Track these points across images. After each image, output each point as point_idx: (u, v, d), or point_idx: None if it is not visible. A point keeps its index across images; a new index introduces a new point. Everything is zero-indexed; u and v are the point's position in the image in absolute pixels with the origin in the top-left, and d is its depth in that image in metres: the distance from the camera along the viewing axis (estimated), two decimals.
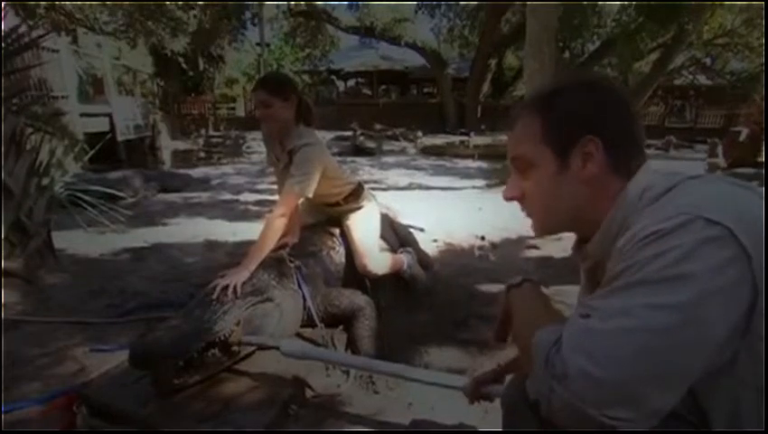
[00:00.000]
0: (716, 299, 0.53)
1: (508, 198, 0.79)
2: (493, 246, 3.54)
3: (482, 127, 15.42)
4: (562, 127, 0.71)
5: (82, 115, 7.35)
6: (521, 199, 0.78)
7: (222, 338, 1.50)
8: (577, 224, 0.77)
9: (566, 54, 15.24)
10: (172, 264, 3.01)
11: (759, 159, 7.90)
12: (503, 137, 11.20)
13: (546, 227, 0.79)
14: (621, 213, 0.68)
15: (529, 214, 0.79)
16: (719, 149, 8.73)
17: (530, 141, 0.74)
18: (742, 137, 8.72)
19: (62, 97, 6.88)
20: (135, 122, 9.61)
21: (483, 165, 9.41)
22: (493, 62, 17.38)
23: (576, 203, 0.72)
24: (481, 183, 6.77)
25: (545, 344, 0.61)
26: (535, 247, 3.44)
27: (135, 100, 10.59)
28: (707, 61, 18.76)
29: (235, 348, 1.55)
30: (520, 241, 3.60)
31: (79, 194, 2.98)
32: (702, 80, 18.71)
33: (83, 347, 1.91)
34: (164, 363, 1.36)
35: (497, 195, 5.56)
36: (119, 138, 8.58)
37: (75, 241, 3.29)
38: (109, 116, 8.46)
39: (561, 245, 3.43)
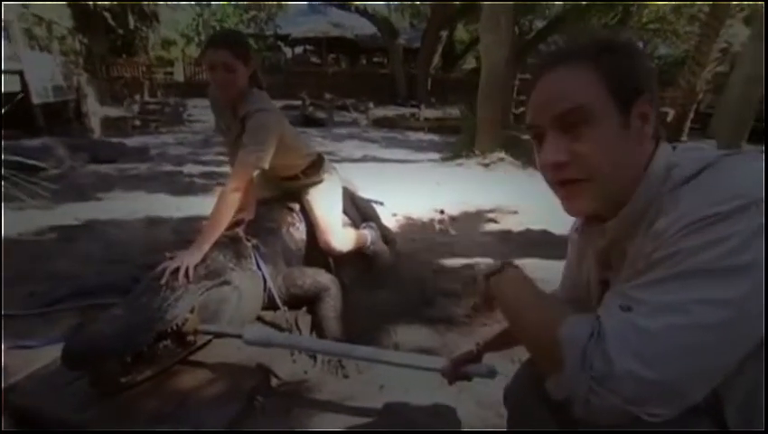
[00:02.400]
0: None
1: (556, 163, 0.64)
2: (453, 220, 3.53)
3: (433, 99, 15.39)
4: (624, 81, 0.62)
5: None
6: (567, 163, 0.64)
7: (175, 328, 1.35)
8: (616, 195, 0.66)
9: (516, 30, 15.39)
10: (108, 243, 2.71)
11: (682, 139, 8.56)
12: (453, 111, 11.27)
13: (605, 193, 0.65)
14: (647, 192, 0.63)
15: (583, 178, 0.64)
16: None
17: (589, 91, 0.61)
18: (669, 118, 9.39)
19: None
20: (54, 83, 8.50)
21: (435, 138, 9.41)
22: (444, 34, 17.20)
23: (633, 164, 0.64)
24: (435, 156, 6.76)
25: (577, 340, 0.55)
26: (494, 221, 3.48)
27: (53, 58, 9.37)
28: (641, 45, 19.82)
29: (190, 338, 1.40)
30: (479, 215, 3.63)
31: None
32: None
33: (3, 344, 1.65)
34: (107, 360, 1.19)
35: (453, 169, 5.64)
36: (35, 101, 7.58)
37: None
38: (20, 73, 7.42)
39: (518, 219, 3.50)
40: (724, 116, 8.23)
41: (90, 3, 12.27)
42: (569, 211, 0.69)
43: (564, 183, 0.66)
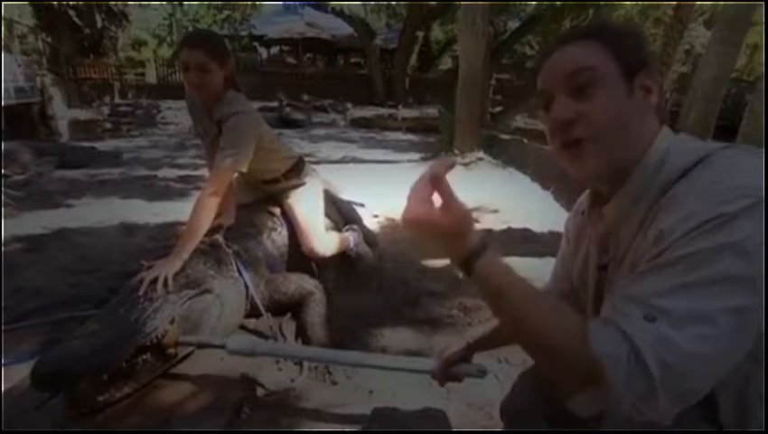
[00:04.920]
0: None
1: (565, 120, 0.66)
2: None
3: (410, 100, 15.44)
4: (628, 53, 0.66)
5: None
6: (574, 122, 0.65)
7: (155, 340, 1.29)
8: (621, 167, 0.66)
9: (491, 30, 15.61)
10: (81, 253, 2.60)
11: None
12: (431, 111, 11.33)
13: (609, 155, 0.65)
14: (642, 176, 0.63)
15: (586, 138, 0.65)
16: None
17: (596, 57, 0.65)
18: None
19: None
20: (15, 84, 8.11)
21: (414, 138, 9.45)
22: (421, 35, 17.30)
23: (637, 134, 0.65)
24: (414, 156, 6.78)
25: (619, 359, 0.52)
26: (475, 220, 3.46)
27: (13, 58, 8.95)
28: None
29: (171, 350, 1.35)
30: None
31: None
32: None
33: None
34: (82, 379, 1.13)
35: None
36: None
37: None
38: None
39: (499, 218, 3.53)
40: (689, 114, 8.54)
41: (54, 2, 11.78)
42: (576, 174, 0.68)
43: (569, 145, 0.66)
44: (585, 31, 0.69)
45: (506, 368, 1.59)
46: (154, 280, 1.40)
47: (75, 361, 1.11)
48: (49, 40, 12.25)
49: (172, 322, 1.36)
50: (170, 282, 1.42)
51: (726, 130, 7.53)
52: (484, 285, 0.60)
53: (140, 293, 1.35)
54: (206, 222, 1.62)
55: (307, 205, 2.07)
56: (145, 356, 1.29)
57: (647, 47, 0.70)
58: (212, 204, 1.63)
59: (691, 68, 10.85)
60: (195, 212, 1.61)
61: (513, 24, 15.45)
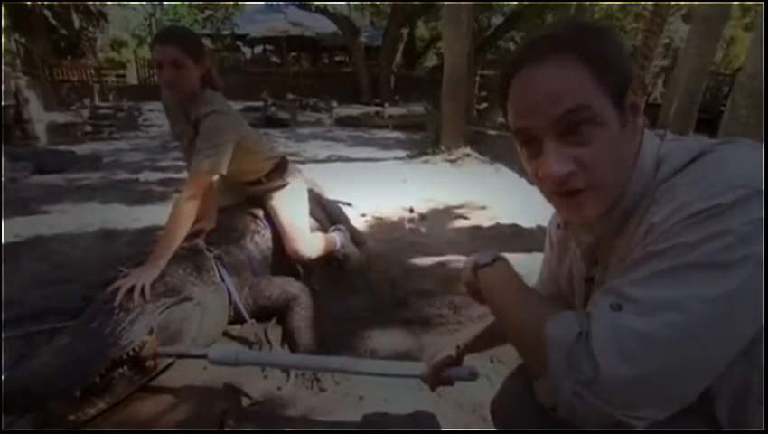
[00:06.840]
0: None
1: (565, 173, 0.56)
2: (422, 217, 3.51)
3: (396, 97, 15.43)
4: (613, 70, 0.55)
5: None
6: (572, 172, 0.57)
7: (132, 353, 1.23)
8: (617, 194, 0.62)
9: (475, 26, 15.66)
10: (56, 261, 2.50)
11: None
12: (417, 108, 11.33)
13: (612, 197, 0.60)
14: (637, 187, 0.59)
15: (587, 188, 0.58)
16: None
17: (586, 88, 0.55)
18: None
19: None
20: None
21: (401, 135, 9.42)
22: (405, 32, 17.29)
23: (630, 160, 0.59)
24: (401, 153, 6.73)
25: (562, 341, 0.51)
26: (463, 217, 3.48)
27: None
28: None
29: (150, 362, 1.29)
30: (449, 211, 3.62)
31: None
32: None
33: None
34: (51, 400, 1.06)
35: (420, 166, 5.61)
36: None
37: None
38: None
39: (488, 214, 3.52)
40: (671, 107, 8.68)
41: (28, 2, 11.45)
42: (575, 220, 0.64)
43: (566, 194, 0.59)
44: (557, 41, 0.57)
45: (498, 368, 1.56)
46: (131, 289, 1.34)
47: (42, 379, 1.04)
48: (23, 41, 11.89)
49: (150, 332, 1.30)
50: (147, 291, 1.36)
51: (707, 123, 7.67)
52: (484, 288, 0.72)
53: (115, 303, 1.29)
54: (184, 227, 1.57)
55: (291, 206, 2.02)
56: (121, 370, 1.23)
57: (626, 49, 0.61)
58: (190, 208, 1.58)
59: (671, 61, 11.02)
60: (173, 216, 1.56)
61: (497, 21, 15.53)
